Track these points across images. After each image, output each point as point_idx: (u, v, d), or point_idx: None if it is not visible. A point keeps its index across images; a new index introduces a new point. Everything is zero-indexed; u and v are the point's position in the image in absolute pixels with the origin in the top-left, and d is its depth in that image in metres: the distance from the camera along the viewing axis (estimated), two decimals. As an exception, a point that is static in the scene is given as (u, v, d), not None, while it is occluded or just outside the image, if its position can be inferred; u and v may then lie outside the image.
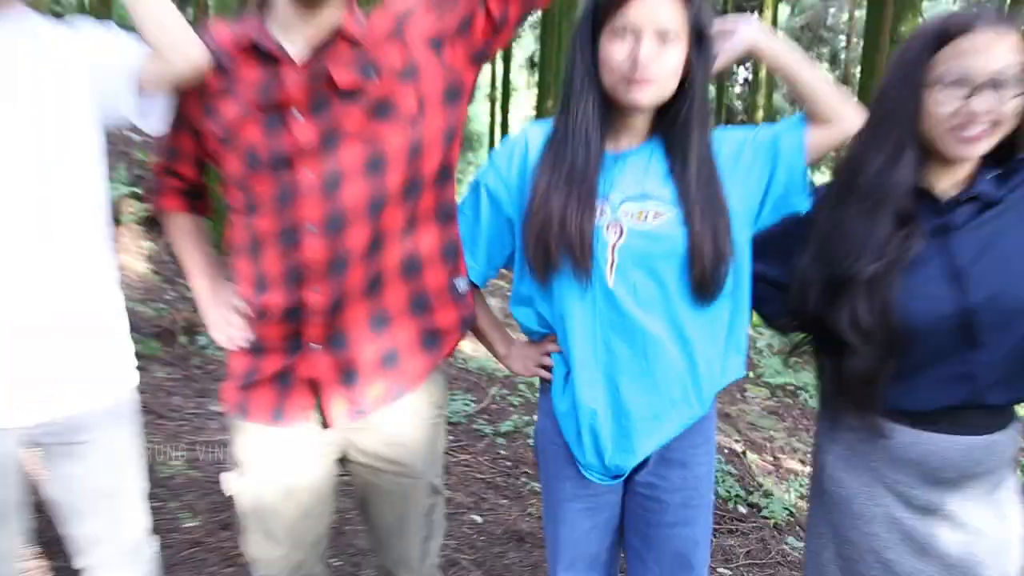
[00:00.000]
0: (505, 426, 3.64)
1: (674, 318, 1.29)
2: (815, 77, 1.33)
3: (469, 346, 5.72)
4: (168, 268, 5.71)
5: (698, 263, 1.25)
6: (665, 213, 1.27)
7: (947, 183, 1.27)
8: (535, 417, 3.66)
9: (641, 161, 1.31)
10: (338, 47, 1.21)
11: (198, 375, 4.12)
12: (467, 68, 1.30)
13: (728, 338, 1.37)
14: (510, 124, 22.47)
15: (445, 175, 1.33)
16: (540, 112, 19.13)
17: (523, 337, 1.50)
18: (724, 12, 19.53)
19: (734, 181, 1.31)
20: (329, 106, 1.20)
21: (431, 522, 1.47)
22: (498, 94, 21.21)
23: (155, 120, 1.31)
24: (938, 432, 1.26)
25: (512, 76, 24.59)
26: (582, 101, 1.27)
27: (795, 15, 21.60)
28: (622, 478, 1.40)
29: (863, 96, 12.30)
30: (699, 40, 1.25)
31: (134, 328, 4.36)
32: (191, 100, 1.27)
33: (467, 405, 3.88)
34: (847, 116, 1.32)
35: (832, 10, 22.57)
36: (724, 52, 1.33)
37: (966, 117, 1.18)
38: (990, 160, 1.26)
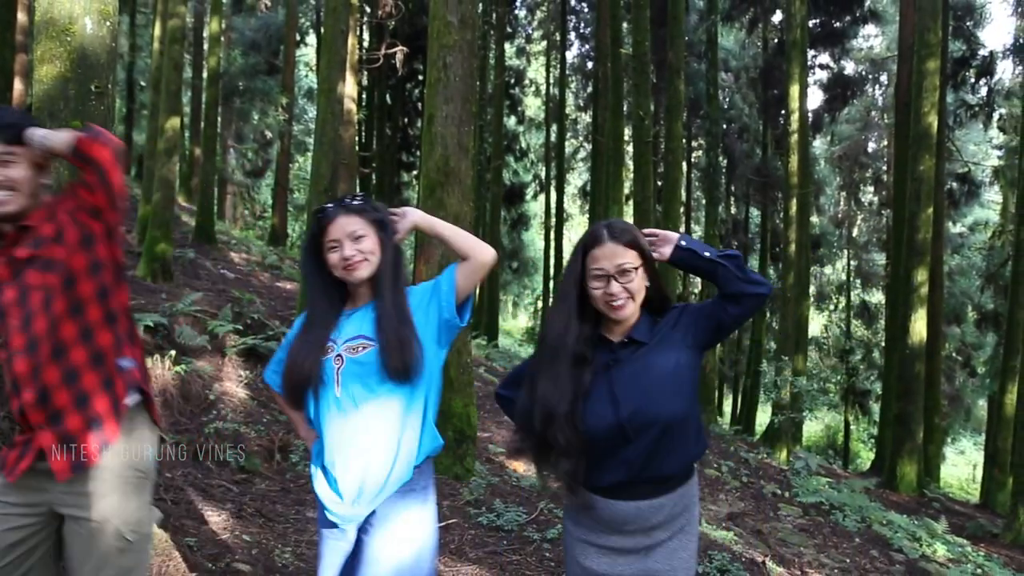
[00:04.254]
0: (551, 533, 4.26)
1: (384, 415, 1.97)
2: (455, 232, 2.05)
3: (522, 465, 6.37)
4: (263, 394, 6.62)
5: (392, 369, 1.93)
6: (370, 346, 1.98)
7: (618, 332, 1.94)
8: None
9: (360, 315, 2.04)
10: (21, 235, 1.94)
11: (292, 488, 4.89)
12: (91, 221, 1.97)
13: (424, 422, 2.03)
14: (564, 251, 23.62)
15: (104, 294, 1.98)
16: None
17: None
18: (764, 150, 20.67)
19: (420, 313, 2.03)
20: (21, 273, 1.91)
21: (119, 566, 1.92)
22: (553, 222, 22.52)
23: None
24: (619, 500, 1.90)
25: (566, 205, 26.06)
26: (318, 286, 2.07)
27: (833, 145, 22.59)
28: (354, 524, 1.99)
29: (898, 219, 12.93)
30: (382, 227, 2.04)
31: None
32: None
33: (519, 516, 4.52)
34: (479, 252, 2.00)
35: (872, 138, 23.48)
36: (401, 230, 2.07)
37: (609, 296, 1.88)
38: (655, 309, 1.97)
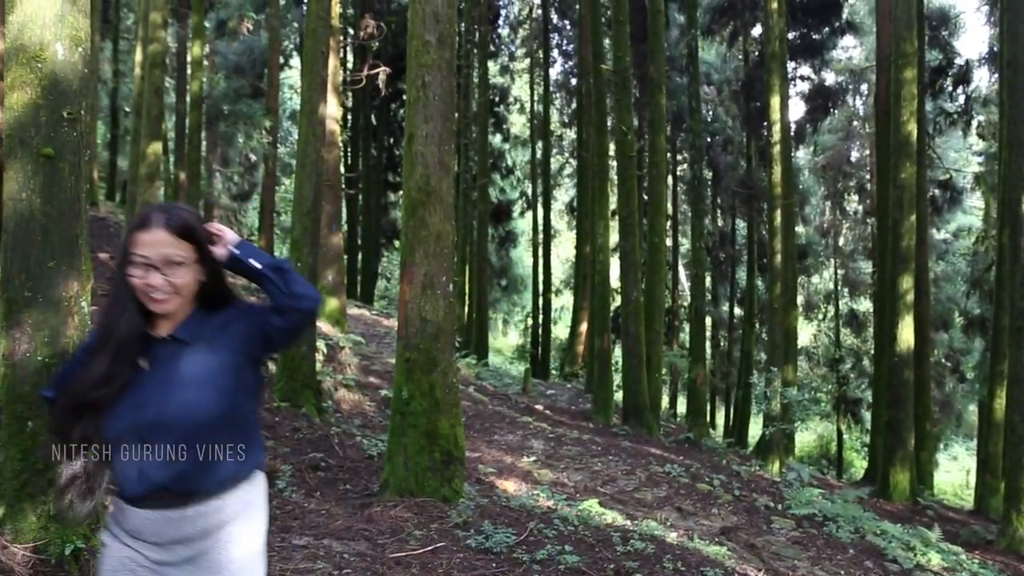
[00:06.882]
0: (541, 554, 4.20)
1: None
2: None
3: (512, 486, 6.31)
4: (249, 420, 6.55)
5: None
6: None
7: (165, 328, 1.78)
8: (567, 547, 4.23)
9: None
10: None
11: (278, 514, 4.81)
12: None
13: None
14: (553, 267, 23.61)
15: None
16: (579, 254, 20.29)
17: None
18: (749, 162, 20.80)
19: None
20: None
21: None
22: (540, 238, 22.52)
23: None
24: (144, 509, 1.73)
25: (553, 221, 26.11)
26: None
27: (816, 155, 22.78)
28: None
29: (883, 227, 13.01)
30: None
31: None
32: None
33: (508, 537, 4.46)
34: None
35: (855, 147, 23.70)
36: None
37: (149, 288, 1.71)
38: (213, 305, 1.81)
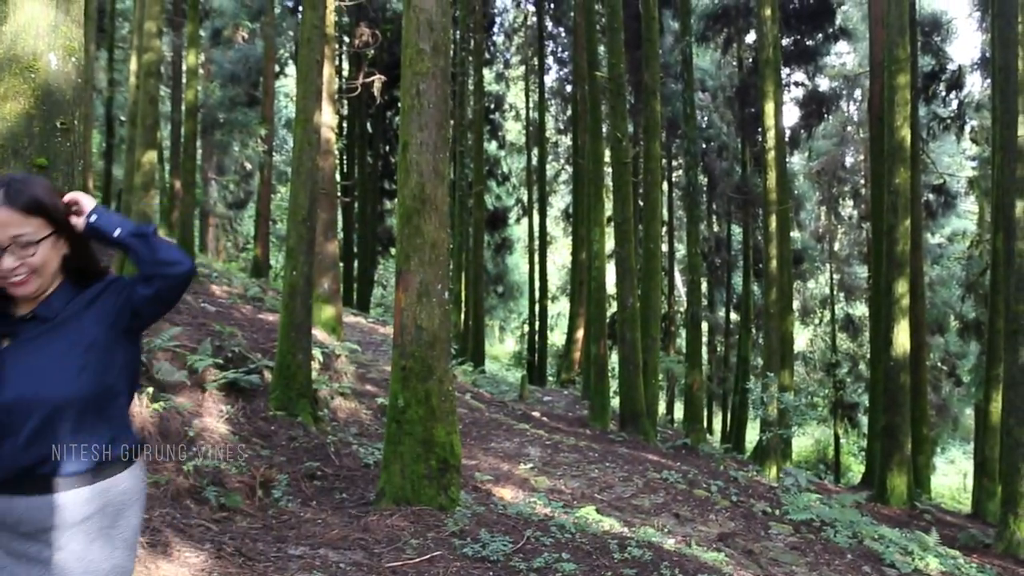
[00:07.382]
0: (538, 562, 4.19)
1: None
2: None
3: (509, 493, 6.29)
4: (245, 428, 6.52)
5: None
6: None
7: (25, 306, 1.69)
8: (564, 555, 4.22)
9: None
10: None
11: (274, 524, 4.79)
12: None
13: None
14: (549, 274, 23.63)
15: None
16: (575, 260, 20.31)
17: None
18: (744, 168, 20.87)
19: None
20: None
21: None
22: (536, 245, 22.55)
23: None
24: (6, 495, 1.60)
25: (549, 228, 26.14)
26: None
27: (811, 160, 22.86)
28: None
29: (877, 232, 13.06)
30: None
31: (219, 483, 5.13)
32: None
33: (505, 546, 4.45)
34: None
35: (849, 152, 23.80)
36: None
37: (3, 273, 1.60)
38: (81, 279, 1.73)
